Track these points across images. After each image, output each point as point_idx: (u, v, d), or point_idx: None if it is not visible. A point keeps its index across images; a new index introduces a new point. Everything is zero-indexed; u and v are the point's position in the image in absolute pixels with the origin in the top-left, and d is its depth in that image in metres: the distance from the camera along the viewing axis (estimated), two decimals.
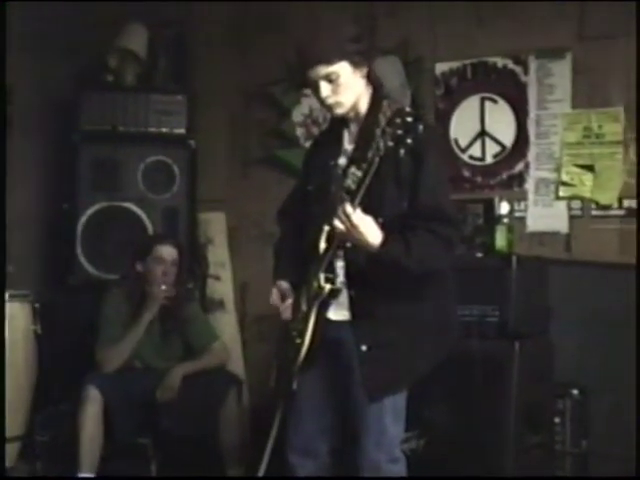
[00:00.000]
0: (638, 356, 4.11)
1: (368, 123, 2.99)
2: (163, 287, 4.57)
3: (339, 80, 2.99)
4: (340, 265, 3.04)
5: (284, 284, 3.22)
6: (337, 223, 2.85)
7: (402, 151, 2.76)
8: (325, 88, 3.00)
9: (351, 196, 2.84)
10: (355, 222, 2.83)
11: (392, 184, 2.93)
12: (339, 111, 3.07)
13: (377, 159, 2.74)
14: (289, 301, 3.18)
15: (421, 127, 2.76)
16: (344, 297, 3.05)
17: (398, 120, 2.71)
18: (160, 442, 4.49)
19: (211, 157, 5.57)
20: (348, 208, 2.81)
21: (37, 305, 4.51)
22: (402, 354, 3.00)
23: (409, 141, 2.72)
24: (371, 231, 2.87)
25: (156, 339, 4.63)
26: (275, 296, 3.23)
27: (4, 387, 4.17)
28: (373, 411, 3.00)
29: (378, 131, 2.80)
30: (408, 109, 2.74)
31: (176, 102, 5.31)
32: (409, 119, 2.71)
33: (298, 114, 5.43)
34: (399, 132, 2.71)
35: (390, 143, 2.72)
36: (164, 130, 5.28)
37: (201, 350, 4.66)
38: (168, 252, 4.63)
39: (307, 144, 5.10)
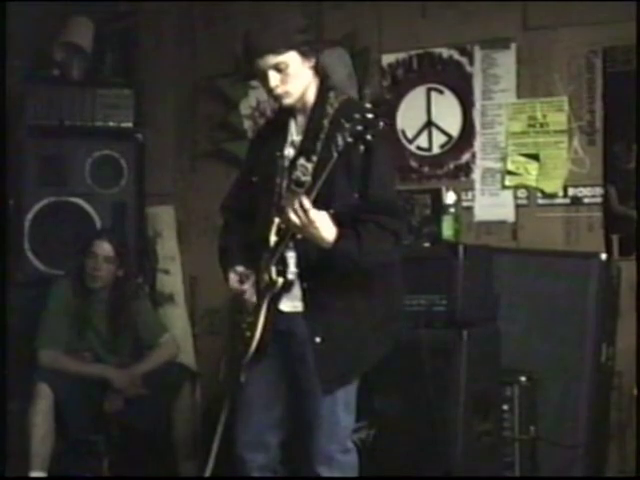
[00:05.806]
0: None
1: (316, 114, 3.01)
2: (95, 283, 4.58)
3: (288, 70, 3.00)
4: (291, 255, 3.03)
5: (240, 268, 3.17)
6: (292, 217, 2.83)
7: (362, 147, 2.77)
8: (274, 78, 3.01)
9: (306, 190, 2.83)
10: (312, 217, 2.82)
11: (343, 175, 2.92)
12: (287, 101, 3.07)
13: (336, 154, 2.74)
14: (250, 283, 3.13)
15: (382, 124, 2.74)
16: (296, 288, 3.05)
17: (358, 116, 2.70)
18: (112, 438, 4.47)
19: (159, 151, 5.55)
20: (306, 203, 2.80)
21: None
22: (354, 345, 3.02)
23: (369, 137, 2.72)
24: (326, 226, 2.87)
25: (104, 334, 4.61)
26: (234, 280, 3.18)
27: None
28: (326, 403, 3.01)
29: (326, 122, 2.84)
30: (369, 105, 2.74)
31: (123, 96, 5.28)
32: (370, 115, 2.71)
33: (245, 107, 5.43)
34: (359, 128, 2.70)
35: (350, 139, 2.71)
36: (111, 124, 5.25)
37: (150, 344, 4.66)
38: (101, 248, 4.60)
39: None
